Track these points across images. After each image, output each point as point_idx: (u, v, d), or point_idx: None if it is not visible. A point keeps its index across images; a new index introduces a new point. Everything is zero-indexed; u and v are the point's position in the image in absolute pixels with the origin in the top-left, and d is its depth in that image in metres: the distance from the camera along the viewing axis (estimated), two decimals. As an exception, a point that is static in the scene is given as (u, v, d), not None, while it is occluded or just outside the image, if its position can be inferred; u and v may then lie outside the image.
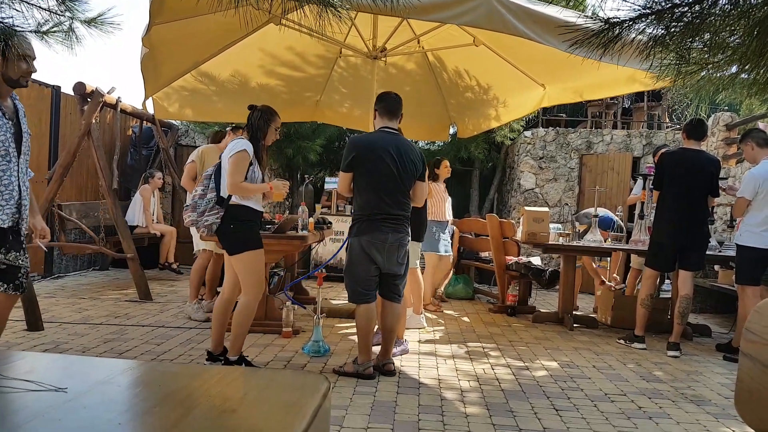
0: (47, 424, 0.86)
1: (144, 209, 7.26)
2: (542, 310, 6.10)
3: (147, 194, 7.33)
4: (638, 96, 9.16)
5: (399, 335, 4.23)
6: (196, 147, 6.17)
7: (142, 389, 1.08)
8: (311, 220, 4.84)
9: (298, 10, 2.36)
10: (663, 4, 1.36)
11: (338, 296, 6.26)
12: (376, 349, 3.79)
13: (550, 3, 1.52)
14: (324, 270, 4.56)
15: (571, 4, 8.57)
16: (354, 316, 3.83)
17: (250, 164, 3.35)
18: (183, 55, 4.85)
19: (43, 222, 3.16)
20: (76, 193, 7.53)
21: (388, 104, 3.65)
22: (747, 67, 1.35)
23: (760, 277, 4.44)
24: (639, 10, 1.42)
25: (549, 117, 9.26)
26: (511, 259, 6.29)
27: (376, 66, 5.36)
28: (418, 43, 5.61)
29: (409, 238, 3.66)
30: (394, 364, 3.74)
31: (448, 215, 6.03)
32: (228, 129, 5.24)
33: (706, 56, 1.43)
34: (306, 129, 8.46)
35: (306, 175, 7.85)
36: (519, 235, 5.95)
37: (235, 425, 0.88)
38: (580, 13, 1.63)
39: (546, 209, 5.84)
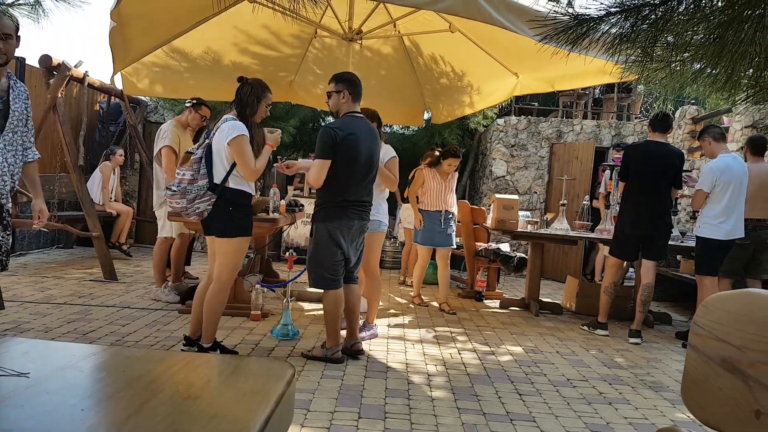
0: (10, 410, 0.85)
1: (102, 187, 7.09)
2: (509, 296, 6.21)
3: (107, 171, 7.16)
4: (609, 87, 9.30)
5: (369, 320, 4.27)
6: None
7: (106, 374, 1.07)
8: (283, 202, 4.80)
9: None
10: (630, 3, 1.39)
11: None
12: (343, 333, 3.81)
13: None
14: (294, 253, 4.53)
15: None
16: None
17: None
18: (154, 29, 4.72)
19: (43, 204, 3.09)
20: (41, 170, 7.31)
21: (359, 89, 3.57)
22: (707, 66, 1.40)
23: (718, 268, 4.61)
24: (606, 9, 1.45)
25: (521, 105, 9.34)
26: (481, 245, 6.37)
27: (351, 48, 5.31)
28: (395, 27, 5.58)
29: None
30: (361, 343, 3.78)
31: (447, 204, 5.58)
32: (187, 105, 5.06)
33: (671, 54, 1.47)
34: (279, 110, 8.35)
35: (279, 156, 7.76)
36: (489, 222, 6.02)
37: (199, 411, 0.88)
38: (554, 3, 1.64)
39: (516, 197, 5.92)
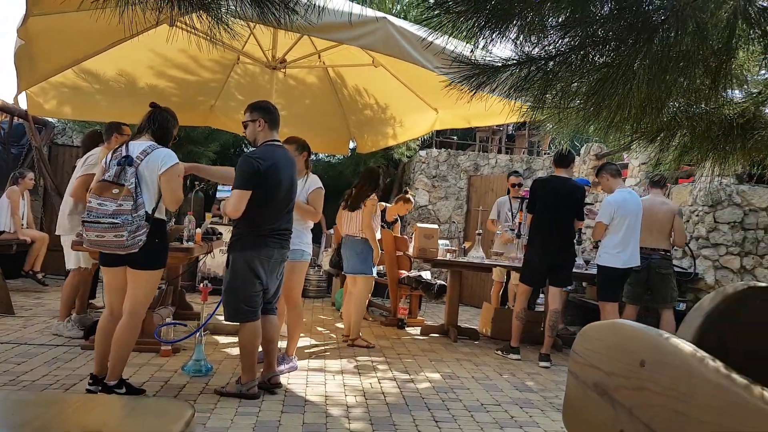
0: None
1: (12, 213, 6.61)
2: (430, 323, 6.33)
3: (15, 196, 6.69)
4: (521, 124, 9.89)
5: (289, 352, 4.20)
6: (75, 147, 5.74)
7: (-11, 420, 1.01)
8: (198, 230, 4.67)
9: (193, 15, 2.30)
10: (524, 57, 1.54)
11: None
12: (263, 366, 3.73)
13: (450, 36, 1.63)
14: (209, 284, 4.40)
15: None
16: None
17: None
18: (63, 49, 4.52)
19: None
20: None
21: (275, 116, 3.54)
22: (589, 118, 1.56)
23: (618, 294, 4.95)
24: (503, 61, 1.59)
25: (442, 139, 9.71)
26: (404, 273, 6.48)
27: (275, 76, 5.33)
28: (319, 58, 5.66)
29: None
30: (279, 376, 3.71)
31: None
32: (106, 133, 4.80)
33: (560, 102, 1.63)
34: (198, 134, 8.18)
35: (196, 182, 7.57)
36: (411, 250, 6.15)
37: (91, 456, 0.86)
38: (464, 46, 1.75)
39: (435, 226, 6.09)
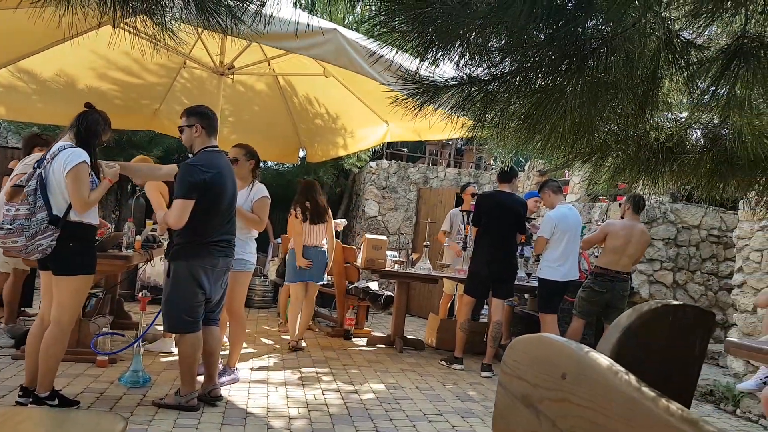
0: None
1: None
2: (377, 334, 6.34)
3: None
4: (469, 140, 10.13)
5: (230, 364, 4.12)
6: (9, 148, 5.47)
7: None
8: (138, 238, 4.53)
9: (137, 18, 2.25)
10: (464, 78, 1.60)
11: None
12: (201, 378, 3.65)
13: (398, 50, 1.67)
14: (149, 293, 4.28)
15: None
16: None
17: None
18: (-1, 47, 4.33)
19: None
20: None
21: (214, 122, 3.45)
22: (524, 139, 1.64)
23: (558, 307, 5.11)
24: (445, 82, 1.64)
25: (393, 150, 9.80)
26: (352, 283, 6.48)
27: (222, 82, 5.26)
28: (269, 65, 5.62)
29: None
30: (220, 388, 3.63)
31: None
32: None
33: (499, 122, 1.70)
34: (141, 138, 7.95)
35: (137, 188, 7.34)
36: (360, 261, 6.16)
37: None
38: (413, 61, 1.79)
39: (384, 237, 6.13)
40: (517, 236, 5.15)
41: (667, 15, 1.60)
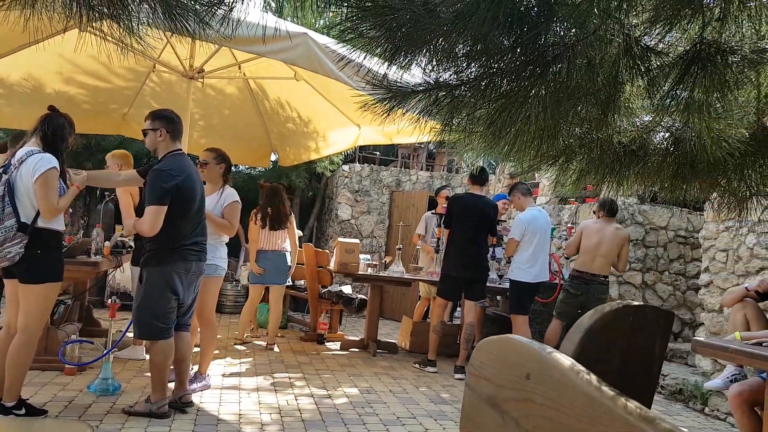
0: None
1: None
2: (350, 338, 6.33)
3: None
4: (440, 143, 10.21)
5: (202, 370, 4.07)
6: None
7: None
8: (107, 243, 4.45)
9: (104, 22, 2.22)
10: (431, 84, 1.62)
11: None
12: (172, 385, 3.59)
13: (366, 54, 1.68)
14: (118, 300, 4.20)
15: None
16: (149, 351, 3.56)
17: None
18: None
19: None
20: None
21: (178, 126, 3.43)
22: (490, 143, 1.67)
23: (529, 308, 5.18)
24: (412, 88, 1.66)
25: (365, 154, 9.82)
26: (325, 287, 6.45)
27: (192, 86, 5.20)
28: (240, 69, 5.58)
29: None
30: (191, 394, 3.58)
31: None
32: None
33: (465, 127, 1.73)
34: (110, 142, 7.80)
35: (106, 193, 7.18)
36: (333, 265, 6.14)
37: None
38: (382, 65, 1.80)
39: (357, 241, 6.13)
40: (489, 238, 5.21)
41: (628, 22, 1.65)
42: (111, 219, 7.67)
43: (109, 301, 4.09)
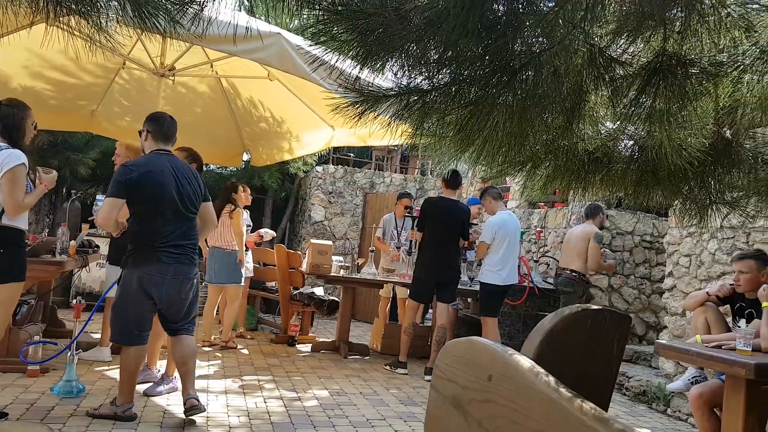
0: None
1: None
2: (322, 339, 6.32)
3: None
4: (413, 146, 10.27)
5: (169, 372, 4.00)
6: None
7: None
8: (73, 243, 4.36)
9: (72, 17, 2.18)
10: (403, 89, 1.64)
11: (99, 330, 5.66)
12: (140, 387, 3.53)
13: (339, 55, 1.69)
14: (83, 300, 4.11)
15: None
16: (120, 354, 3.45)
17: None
18: None
19: None
20: None
21: (165, 128, 3.39)
22: (460, 148, 1.71)
23: (498, 310, 5.25)
24: (384, 92, 1.68)
25: (339, 155, 9.82)
26: (297, 289, 6.42)
27: (163, 83, 5.13)
28: (212, 67, 5.53)
29: (197, 271, 3.41)
30: (198, 399, 3.36)
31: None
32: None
33: (436, 131, 1.76)
34: (78, 140, 7.65)
35: (73, 191, 7.04)
36: (305, 267, 6.12)
37: None
38: (354, 67, 1.81)
39: (329, 243, 6.13)
40: (460, 241, 5.26)
41: (593, 32, 1.70)
42: (77, 217, 7.51)
43: (74, 301, 4.01)
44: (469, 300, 6.98)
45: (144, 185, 3.17)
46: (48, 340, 4.38)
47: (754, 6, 1.98)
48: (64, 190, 8.17)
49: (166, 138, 3.41)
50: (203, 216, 3.47)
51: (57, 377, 3.84)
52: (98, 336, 4.94)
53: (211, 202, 3.55)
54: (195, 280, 3.38)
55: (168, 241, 3.22)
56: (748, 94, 1.99)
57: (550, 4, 1.51)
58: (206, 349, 5.47)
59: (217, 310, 5.87)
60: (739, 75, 1.96)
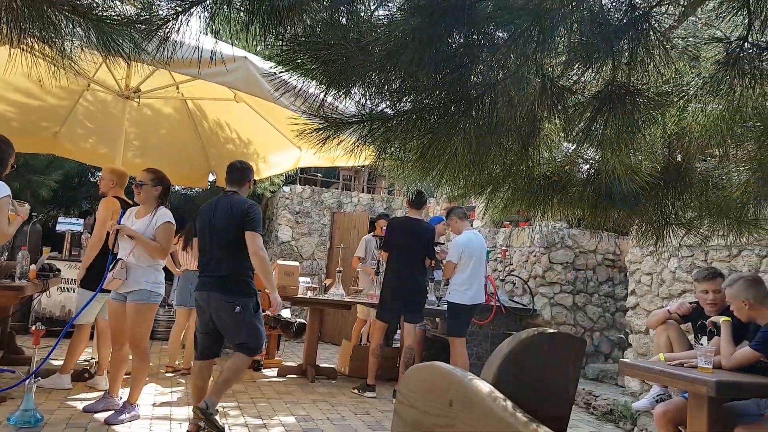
0: None
1: None
2: (289, 363, 6.24)
3: None
4: (377, 169, 10.39)
5: (131, 400, 3.90)
6: None
7: None
8: (33, 267, 4.24)
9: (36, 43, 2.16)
10: (366, 116, 1.69)
11: (61, 356, 5.47)
12: (101, 415, 3.44)
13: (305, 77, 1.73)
14: (43, 326, 3.98)
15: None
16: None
17: None
18: None
19: None
20: None
21: (228, 173, 3.90)
22: (422, 172, 1.77)
23: (466, 329, 5.29)
24: (347, 119, 1.73)
25: (306, 176, 9.83)
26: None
27: (128, 105, 5.08)
28: (177, 89, 5.51)
29: (245, 300, 3.61)
30: (209, 405, 3.47)
31: None
32: None
33: (399, 155, 1.81)
34: (40, 162, 7.47)
35: (34, 213, 6.85)
36: (271, 288, 6.06)
37: None
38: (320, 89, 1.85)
39: (296, 263, 6.10)
40: (427, 261, 5.31)
41: (545, 63, 1.78)
42: (38, 240, 7.29)
43: (34, 327, 3.88)
44: (437, 320, 7.02)
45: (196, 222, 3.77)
46: (6, 368, 4.23)
47: (697, 39, 2.10)
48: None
49: (229, 181, 3.89)
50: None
51: (14, 406, 3.70)
52: (58, 363, 4.77)
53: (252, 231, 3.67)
54: (239, 308, 3.57)
55: (205, 272, 3.65)
56: (693, 122, 2.10)
57: (504, 37, 1.58)
58: (168, 375, 5.35)
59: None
60: (684, 104, 2.07)
